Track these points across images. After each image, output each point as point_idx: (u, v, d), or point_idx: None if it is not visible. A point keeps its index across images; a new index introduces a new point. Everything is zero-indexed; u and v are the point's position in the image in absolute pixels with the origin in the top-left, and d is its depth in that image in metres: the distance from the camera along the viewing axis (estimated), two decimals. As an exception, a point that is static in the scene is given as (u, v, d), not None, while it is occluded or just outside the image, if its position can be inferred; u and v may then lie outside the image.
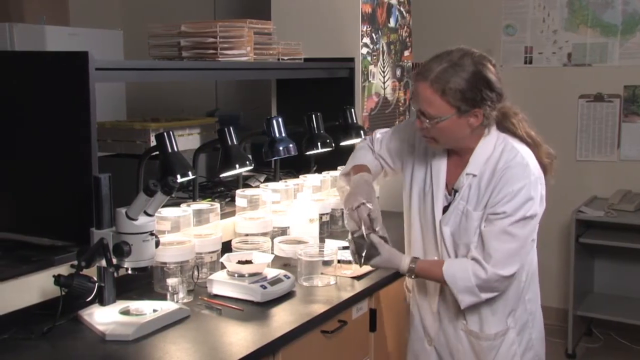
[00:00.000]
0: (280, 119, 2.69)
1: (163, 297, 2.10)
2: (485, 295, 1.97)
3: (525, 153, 1.98)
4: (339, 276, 2.35)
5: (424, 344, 2.20)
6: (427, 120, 1.94)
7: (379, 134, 2.33)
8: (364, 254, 2.01)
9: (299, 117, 2.94)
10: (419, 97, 1.95)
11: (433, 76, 1.89)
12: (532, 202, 1.93)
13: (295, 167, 3.19)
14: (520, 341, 2.09)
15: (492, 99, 1.91)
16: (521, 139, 2.02)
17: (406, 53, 3.82)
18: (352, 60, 3.34)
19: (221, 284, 2.17)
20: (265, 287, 2.12)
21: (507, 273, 1.95)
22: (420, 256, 2.11)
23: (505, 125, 2.02)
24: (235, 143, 2.45)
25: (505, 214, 1.92)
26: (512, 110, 2.03)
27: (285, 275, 2.22)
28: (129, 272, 1.95)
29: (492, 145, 1.99)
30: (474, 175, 1.99)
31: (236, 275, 2.18)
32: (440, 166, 2.07)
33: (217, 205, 2.45)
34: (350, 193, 2.11)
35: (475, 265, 1.95)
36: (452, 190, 2.05)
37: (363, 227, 2.01)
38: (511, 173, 1.93)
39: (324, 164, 3.14)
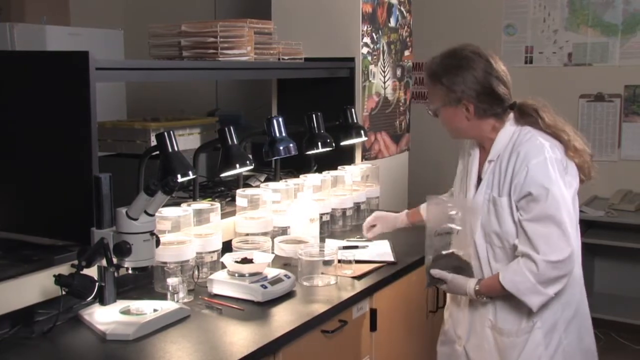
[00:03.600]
0: (280, 119, 2.69)
1: (163, 297, 2.10)
2: (551, 290, 1.95)
3: (543, 136, 2.02)
4: (339, 276, 2.35)
5: (454, 346, 2.21)
6: (431, 112, 2.12)
7: None
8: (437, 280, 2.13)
9: (299, 116, 2.94)
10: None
11: (428, 69, 2.10)
12: (553, 180, 1.93)
13: (296, 166, 3.19)
14: (548, 344, 2.04)
15: (477, 91, 2.01)
16: (544, 131, 2.05)
17: (406, 53, 3.82)
18: (352, 60, 3.35)
19: (221, 284, 2.17)
20: (265, 287, 2.12)
21: (556, 258, 1.92)
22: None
23: (527, 122, 2.07)
24: (235, 143, 2.45)
25: (530, 195, 1.94)
26: (532, 106, 2.08)
27: (285, 275, 2.22)
28: (130, 271, 1.96)
29: (510, 133, 2.06)
30: (494, 161, 2.06)
31: (237, 275, 2.18)
32: (474, 160, 2.16)
33: (217, 204, 2.45)
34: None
35: (526, 261, 1.95)
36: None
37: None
38: (525, 151, 1.98)
39: (324, 163, 3.14)
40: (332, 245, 2.50)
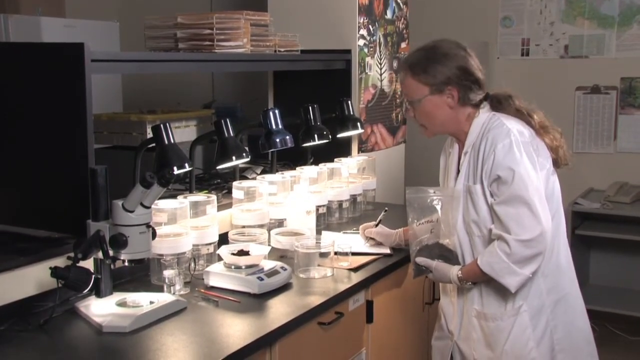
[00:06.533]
0: (276, 111, 2.68)
1: (160, 289, 2.10)
2: (527, 270, 1.98)
3: (511, 121, 2.07)
4: (335, 268, 2.35)
5: (448, 342, 2.25)
6: (412, 108, 2.14)
7: None
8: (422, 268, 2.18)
9: (295, 108, 2.94)
10: (402, 86, 2.21)
11: (407, 63, 2.15)
12: (518, 161, 1.98)
13: (292, 159, 3.19)
14: (536, 326, 2.08)
15: (460, 77, 2.06)
16: (514, 116, 2.11)
17: (403, 45, 3.81)
18: (349, 52, 3.34)
19: (218, 276, 2.17)
20: (262, 279, 2.13)
21: (527, 237, 1.95)
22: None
23: (500, 109, 2.13)
24: (231, 135, 2.45)
25: (499, 178, 1.99)
26: (505, 93, 2.15)
27: (282, 267, 2.22)
28: (126, 264, 1.96)
29: (481, 122, 2.11)
30: (469, 152, 2.11)
31: (233, 267, 2.18)
32: (454, 155, 2.20)
33: (213, 197, 2.45)
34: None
35: (500, 243, 1.99)
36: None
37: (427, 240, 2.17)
38: (492, 136, 2.03)
39: (320, 155, 3.14)
40: (329, 238, 2.50)
